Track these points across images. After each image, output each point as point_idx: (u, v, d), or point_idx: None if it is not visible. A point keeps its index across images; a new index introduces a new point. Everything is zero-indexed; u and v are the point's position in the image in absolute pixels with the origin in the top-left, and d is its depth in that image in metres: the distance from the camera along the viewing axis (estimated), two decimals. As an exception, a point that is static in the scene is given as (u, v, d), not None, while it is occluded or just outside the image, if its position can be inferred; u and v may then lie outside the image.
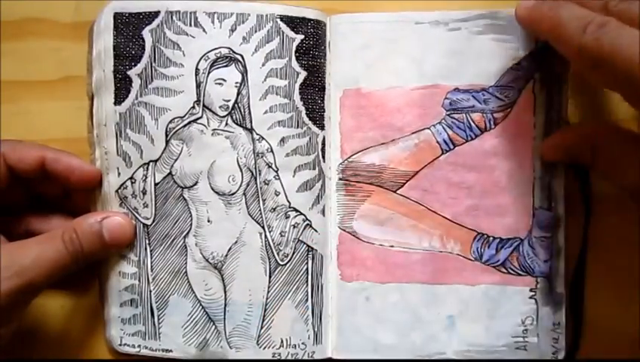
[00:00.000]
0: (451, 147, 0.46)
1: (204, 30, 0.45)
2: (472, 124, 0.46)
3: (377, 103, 0.46)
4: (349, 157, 0.47)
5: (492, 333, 0.46)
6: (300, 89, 0.46)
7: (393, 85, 0.46)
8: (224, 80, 0.45)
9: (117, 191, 0.46)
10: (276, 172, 0.46)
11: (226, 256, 0.46)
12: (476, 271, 0.46)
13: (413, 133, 0.46)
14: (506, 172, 0.46)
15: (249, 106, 0.46)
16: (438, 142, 0.46)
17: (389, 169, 0.46)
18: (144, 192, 0.46)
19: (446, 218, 0.46)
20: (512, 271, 0.46)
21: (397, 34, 0.46)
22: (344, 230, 0.47)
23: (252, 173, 0.46)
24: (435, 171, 0.46)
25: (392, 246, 0.47)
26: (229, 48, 0.45)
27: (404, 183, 0.46)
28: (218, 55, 0.45)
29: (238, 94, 0.45)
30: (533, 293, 0.46)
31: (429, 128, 0.46)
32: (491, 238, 0.46)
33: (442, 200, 0.46)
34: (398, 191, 0.46)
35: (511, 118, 0.46)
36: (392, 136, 0.46)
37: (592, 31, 0.35)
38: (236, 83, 0.45)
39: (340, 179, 0.47)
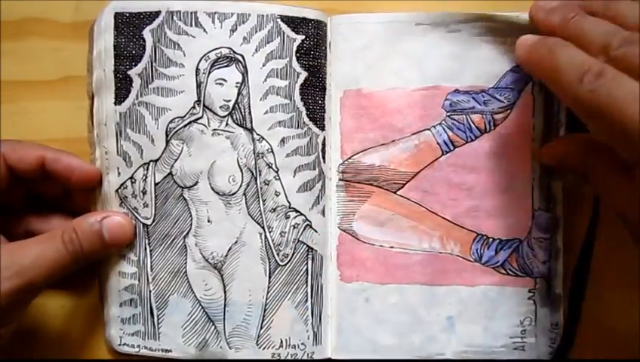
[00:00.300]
0: (451, 148, 0.46)
1: (204, 30, 0.45)
2: (472, 125, 0.46)
3: (378, 104, 0.46)
4: (349, 158, 0.47)
5: (490, 334, 0.46)
6: (300, 89, 0.46)
7: (394, 86, 0.46)
8: (225, 80, 0.45)
9: (117, 191, 0.46)
10: (276, 172, 0.46)
11: (226, 256, 0.46)
12: (476, 272, 0.46)
13: (413, 134, 0.46)
14: (506, 173, 0.46)
15: (249, 106, 0.45)
16: (438, 143, 0.46)
17: (389, 170, 0.46)
18: (144, 192, 0.46)
19: (446, 219, 0.46)
20: (511, 273, 0.46)
21: (397, 35, 0.46)
22: (344, 230, 0.47)
23: (252, 174, 0.46)
24: (435, 172, 0.46)
25: (392, 248, 0.47)
26: (229, 48, 0.45)
27: (405, 184, 0.46)
28: (219, 55, 0.45)
29: (238, 94, 0.45)
30: (532, 294, 0.46)
31: (429, 129, 0.46)
32: (491, 239, 0.46)
33: (442, 201, 0.46)
34: (398, 192, 0.46)
35: (510, 120, 0.46)
36: (393, 136, 0.46)
37: (589, 81, 0.33)
38: (237, 83, 0.45)
39: (340, 179, 0.47)
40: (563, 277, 0.46)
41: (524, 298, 0.46)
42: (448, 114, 0.46)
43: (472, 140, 0.46)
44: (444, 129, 0.46)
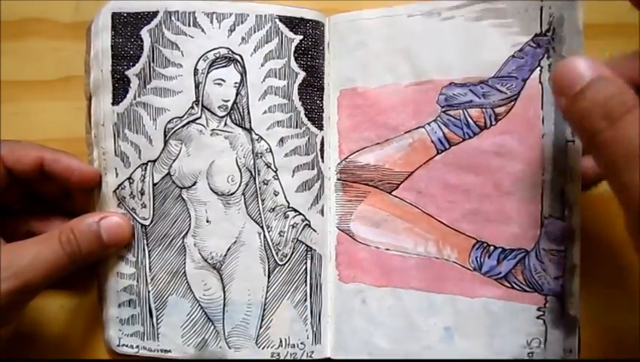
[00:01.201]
0: (447, 146, 0.44)
1: (202, 30, 0.45)
2: (469, 120, 0.43)
3: (372, 102, 0.46)
4: (346, 158, 0.47)
5: (493, 351, 0.43)
6: (298, 89, 0.46)
7: (388, 83, 0.45)
8: (223, 80, 0.45)
9: (115, 191, 0.46)
10: (275, 172, 0.46)
11: (225, 256, 0.46)
12: (475, 282, 0.43)
13: (407, 132, 0.45)
14: (510, 174, 0.42)
15: (248, 106, 0.45)
16: (432, 141, 0.44)
17: (383, 169, 0.46)
18: (142, 193, 0.46)
19: (442, 222, 0.44)
20: (516, 286, 0.43)
21: (391, 29, 0.45)
22: (342, 230, 0.47)
23: (251, 173, 0.46)
24: (429, 172, 0.44)
25: (387, 250, 0.46)
26: (227, 48, 0.45)
27: (399, 184, 0.45)
28: (217, 55, 0.45)
29: (237, 94, 0.45)
30: (542, 313, 0.42)
31: (423, 127, 0.44)
32: (492, 247, 0.43)
33: (438, 203, 0.44)
34: (393, 193, 0.45)
35: (515, 113, 0.42)
36: (387, 135, 0.45)
37: None
38: (235, 83, 0.45)
39: (338, 179, 0.47)
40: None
41: (532, 316, 0.42)
42: (443, 109, 0.44)
43: (470, 137, 0.43)
44: (439, 126, 0.44)
